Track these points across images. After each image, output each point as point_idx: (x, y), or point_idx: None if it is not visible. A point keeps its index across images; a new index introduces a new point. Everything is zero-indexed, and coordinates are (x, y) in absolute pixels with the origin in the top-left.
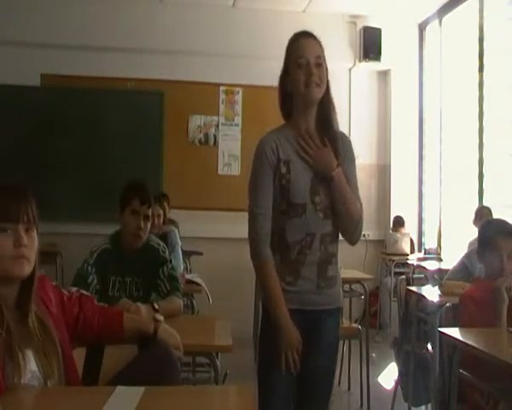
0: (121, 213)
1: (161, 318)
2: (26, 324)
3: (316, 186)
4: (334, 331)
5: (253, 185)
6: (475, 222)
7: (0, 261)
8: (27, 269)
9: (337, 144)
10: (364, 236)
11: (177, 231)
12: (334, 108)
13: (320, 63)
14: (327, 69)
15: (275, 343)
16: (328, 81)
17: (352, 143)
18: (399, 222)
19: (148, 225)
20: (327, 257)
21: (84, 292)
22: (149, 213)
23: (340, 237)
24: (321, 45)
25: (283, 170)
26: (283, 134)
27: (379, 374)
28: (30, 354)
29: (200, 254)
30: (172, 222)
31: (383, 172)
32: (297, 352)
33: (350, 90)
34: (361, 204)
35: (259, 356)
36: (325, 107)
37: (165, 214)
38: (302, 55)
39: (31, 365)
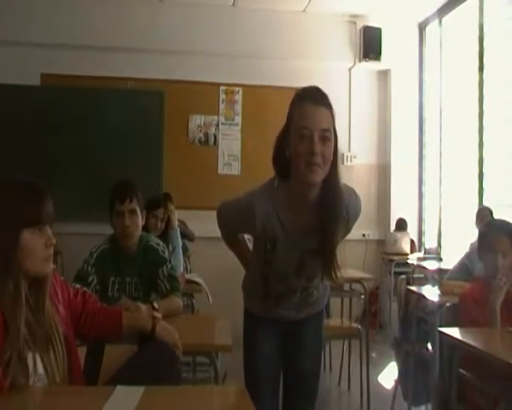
0: (110, 219)
1: (159, 315)
2: (42, 325)
3: (302, 263)
4: (317, 331)
5: (232, 218)
6: (477, 223)
7: (33, 261)
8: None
9: (335, 226)
10: (364, 236)
11: (178, 230)
12: (339, 190)
13: (327, 137)
14: (336, 143)
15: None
16: (336, 155)
17: (360, 203)
18: (402, 226)
19: (137, 219)
20: (308, 298)
21: (87, 290)
22: (134, 206)
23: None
24: (332, 113)
25: (268, 246)
26: (275, 204)
27: (379, 374)
28: (38, 357)
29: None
30: (182, 223)
31: (383, 172)
32: None
33: (350, 90)
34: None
35: (244, 359)
36: (329, 187)
37: (168, 219)
38: (305, 126)
39: (38, 367)
